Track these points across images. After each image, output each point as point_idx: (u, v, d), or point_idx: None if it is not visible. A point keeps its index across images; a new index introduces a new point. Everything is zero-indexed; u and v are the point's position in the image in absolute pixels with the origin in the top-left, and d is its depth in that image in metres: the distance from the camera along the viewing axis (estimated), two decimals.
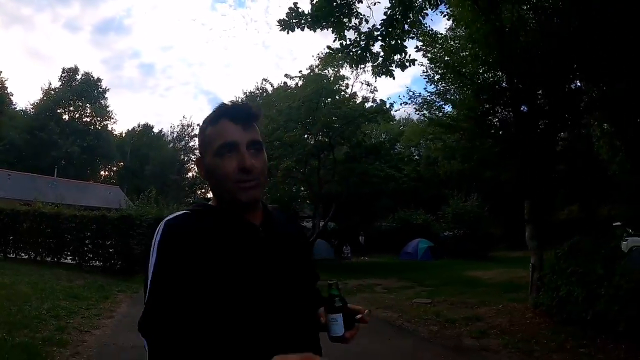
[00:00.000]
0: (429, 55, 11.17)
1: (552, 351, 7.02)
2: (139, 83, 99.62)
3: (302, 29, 7.61)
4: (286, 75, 24.12)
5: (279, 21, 7.67)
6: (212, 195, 1.56)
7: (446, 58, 10.98)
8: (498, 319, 9.30)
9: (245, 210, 1.45)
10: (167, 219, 1.41)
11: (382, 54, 8.43)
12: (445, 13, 10.33)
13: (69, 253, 15.26)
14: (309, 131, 21.37)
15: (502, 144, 10.81)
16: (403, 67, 8.51)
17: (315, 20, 7.52)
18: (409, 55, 8.38)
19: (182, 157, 65.45)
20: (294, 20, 7.59)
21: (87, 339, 6.88)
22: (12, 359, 5.38)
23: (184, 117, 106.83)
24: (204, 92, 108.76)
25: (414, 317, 9.75)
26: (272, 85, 31.88)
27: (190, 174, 62.29)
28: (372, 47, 8.30)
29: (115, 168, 63.86)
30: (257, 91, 45.66)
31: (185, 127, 67.55)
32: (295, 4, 7.67)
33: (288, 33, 7.74)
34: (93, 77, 58.28)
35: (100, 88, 58.94)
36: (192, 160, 63.38)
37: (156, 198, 19.36)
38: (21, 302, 8.47)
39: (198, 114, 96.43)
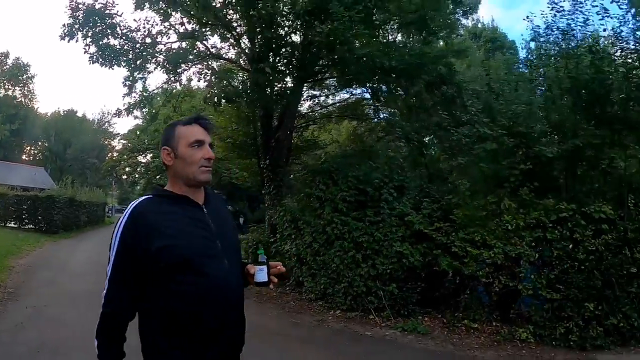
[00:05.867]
0: None
1: None
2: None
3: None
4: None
5: None
6: (170, 180, 2.10)
7: None
8: None
9: (197, 189, 2.08)
10: (134, 204, 1.99)
11: None
12: None
13: (12, 220, 23.38)
14: None
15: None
16: None
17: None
18: None
19: (103, 141, 70.53)
20: None
21: (32, 252, 15.43)
22: (4, 252, 13.81)
23: (104, 105, 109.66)
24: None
25: None
26: None
27: (108, 156, 67.08)
28: None
29: (39, 147, 66.60)
30: None
31: (106, 115, 72.57)
32: None
33: None
34: (23, 62, 61.61)
35: (29, 72, 62.26)
36: (110, 145, 68.38)
37: (72, 183, 27.37)
38: None
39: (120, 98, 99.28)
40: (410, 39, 13.79)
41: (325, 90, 15.96)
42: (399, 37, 16.42)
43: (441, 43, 14.63)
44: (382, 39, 12.66)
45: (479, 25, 28.84)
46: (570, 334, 7.09)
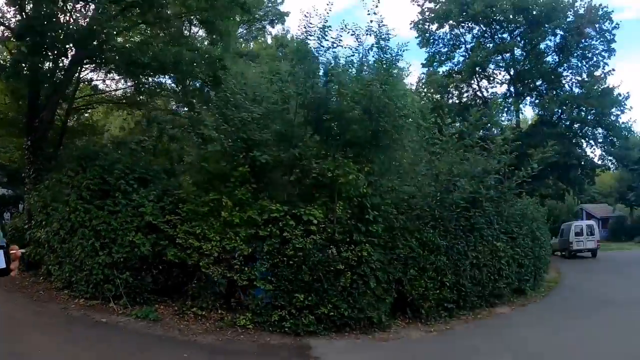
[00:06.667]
0: None
1: None
2: None
3: None
4: None
5: None
6: None
7: None
8: None
9: None
10: None
11: None
12: None
13: None
14: None
15: None
16: None
17: None
18: None
19: None
20: None
21: None
22: None
23: None
24: None
25: None
26: None
27: None
28: None
29: None
30: None
31: None
32: None
33: None
34: None
35: None
36: None
37: None
38: None
39: None
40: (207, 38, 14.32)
41: (102, 75, 15.46)
42: (201, 34, 16.92)
43: (243, 46, 15.36)
44: (177, 33, 12.94)
45: (288, 36, 30.30)
46: (284, 321, 8.12)
